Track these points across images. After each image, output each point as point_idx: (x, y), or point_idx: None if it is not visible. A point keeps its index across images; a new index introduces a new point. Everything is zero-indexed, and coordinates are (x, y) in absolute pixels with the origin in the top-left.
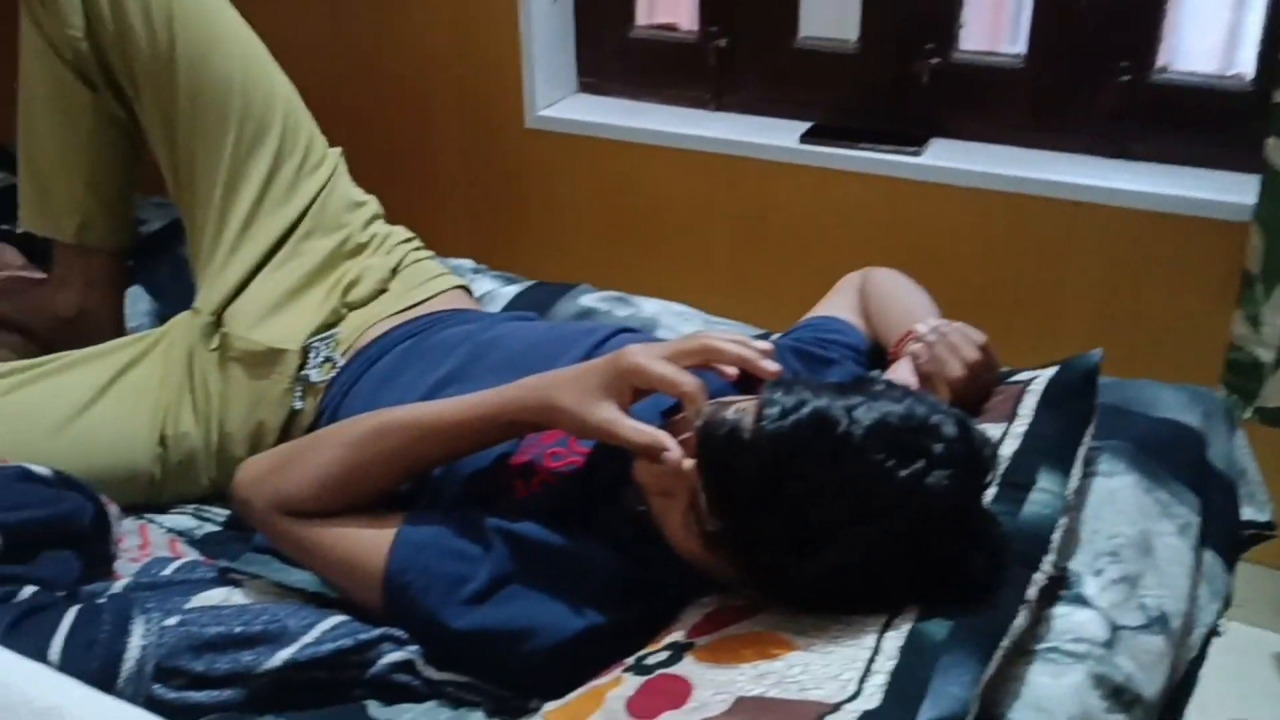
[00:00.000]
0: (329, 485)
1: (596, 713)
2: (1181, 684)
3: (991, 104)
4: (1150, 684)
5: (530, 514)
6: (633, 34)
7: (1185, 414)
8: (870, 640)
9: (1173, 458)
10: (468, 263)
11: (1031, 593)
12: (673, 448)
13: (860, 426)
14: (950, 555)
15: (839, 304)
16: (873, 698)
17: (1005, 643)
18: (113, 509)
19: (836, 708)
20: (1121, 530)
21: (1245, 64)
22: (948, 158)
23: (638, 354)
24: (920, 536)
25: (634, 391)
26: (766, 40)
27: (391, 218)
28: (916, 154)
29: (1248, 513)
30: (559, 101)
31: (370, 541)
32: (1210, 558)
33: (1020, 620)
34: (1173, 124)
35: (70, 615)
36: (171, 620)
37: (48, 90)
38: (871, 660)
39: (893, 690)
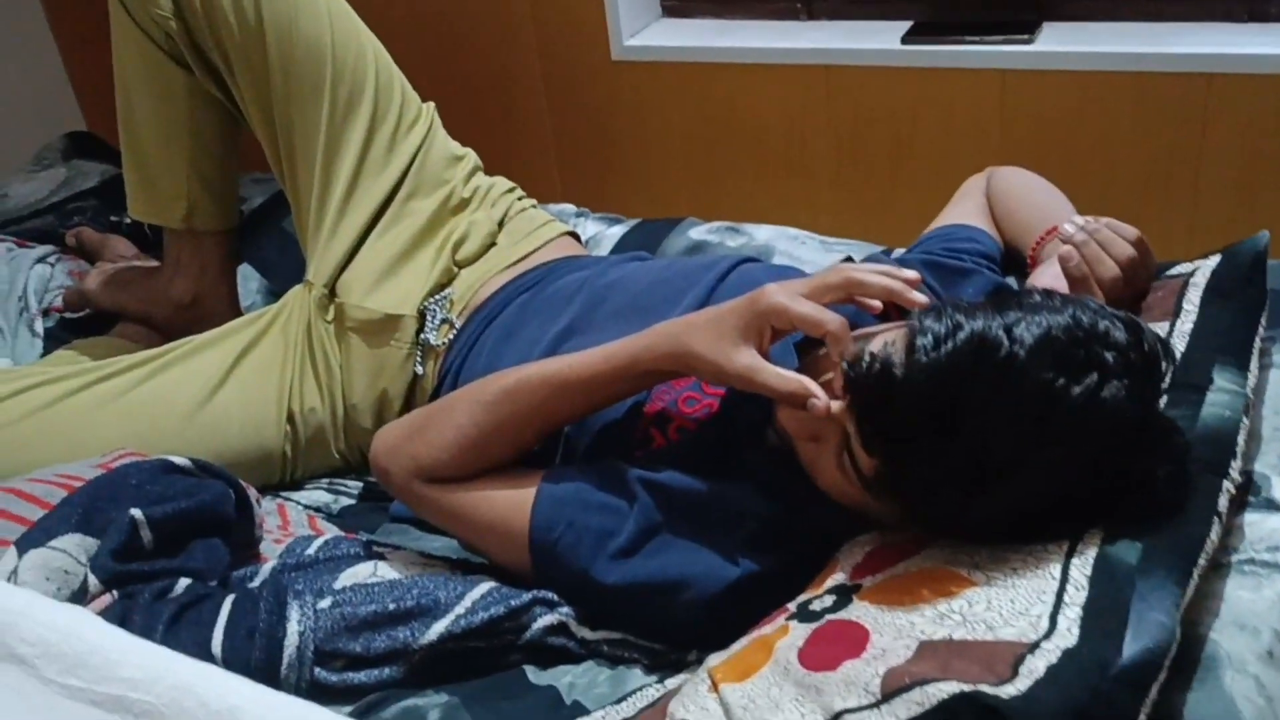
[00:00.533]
0: (466, 448)
1: (767, 665)
2: None
3: None
4: None
5: (671, 463)
6: None
7: None
8: (1055, 569)
9: None
10: (569, 207)
11: (1222, 502)
12: (819, 394)
13: (1023, 345)
14: (1135, 471)
15: (965, 210)
16: (1070, 633)
17: (1201, 560)
18: (252, 492)
19: (1034, 647)
20: None
21: None
22: (1063, 41)
23: (777, 293)
24: (1102, 455)
25: (773, 332)
26: None
27: (501, 166)
28: (1029, 41)
29: None
30: (644, 29)
31: (512, 501)
32: None
33: (1214, 534)
34: None
35: (227, 605)
36: (325, 602)
37: (143, 76)
38: (1061, 591)
39: (1090, 623)
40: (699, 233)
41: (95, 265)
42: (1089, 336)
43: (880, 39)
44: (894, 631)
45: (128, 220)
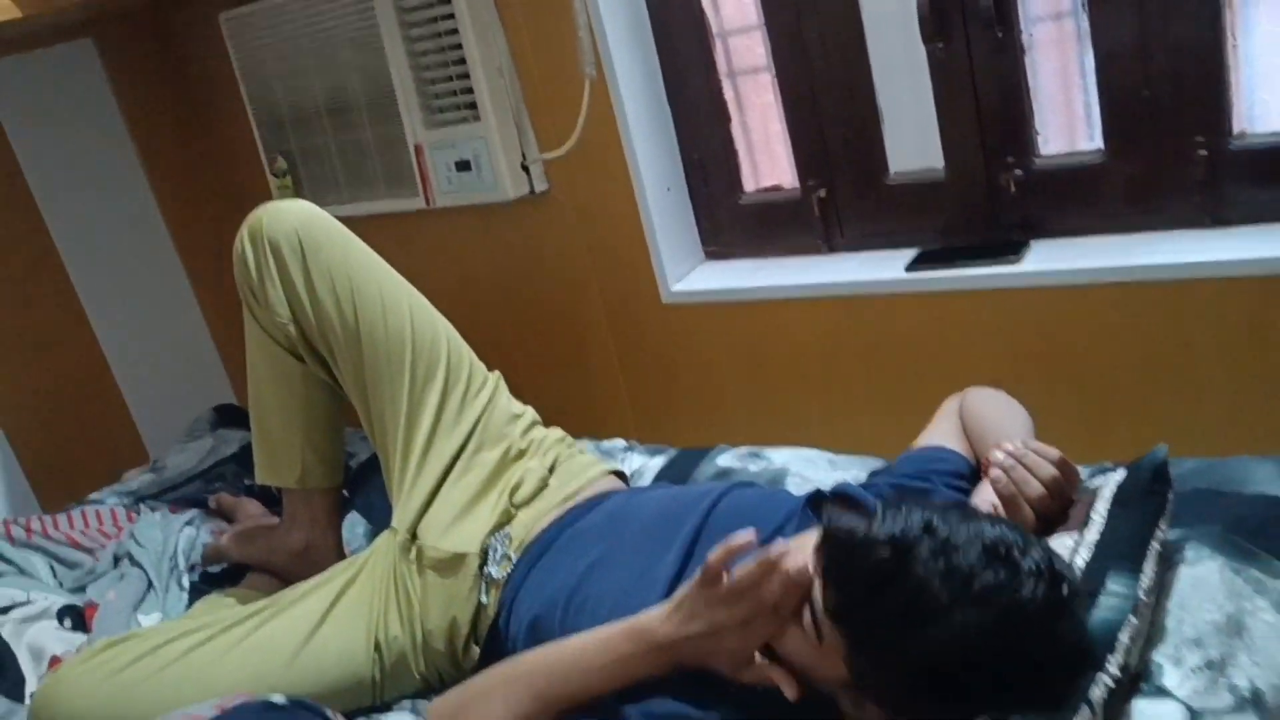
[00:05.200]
0: None
1: None
2: None
3: (1080, 200)
4: None
5: (665, 690)
6: (743, 201)
7: (1278, 485)
8: None
9: (1267, 532)
10: (619, 442)
11: (1096, 692)
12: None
13: (959, 534)
14: (1029, 660)
15: (941, 430)
16: None
17: None
18: (338, 718)
19: None
20: (1206, 616)
21: None
22: (1046, 260)
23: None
24: (1007, 636)
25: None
26: (862, 182)
27: (559, 408)
28: (1015, 261)
29: None
30: (689, 274)
31: None
32: None
33: (1081, 717)
34: (1261, 184)
35: None
36: None
37: (267, 367)
38: None
39: None
40: (725, 459)
41: (231, 525)
42: (1011, 544)
43: (889, 269)
44: None
45: (257, 485)
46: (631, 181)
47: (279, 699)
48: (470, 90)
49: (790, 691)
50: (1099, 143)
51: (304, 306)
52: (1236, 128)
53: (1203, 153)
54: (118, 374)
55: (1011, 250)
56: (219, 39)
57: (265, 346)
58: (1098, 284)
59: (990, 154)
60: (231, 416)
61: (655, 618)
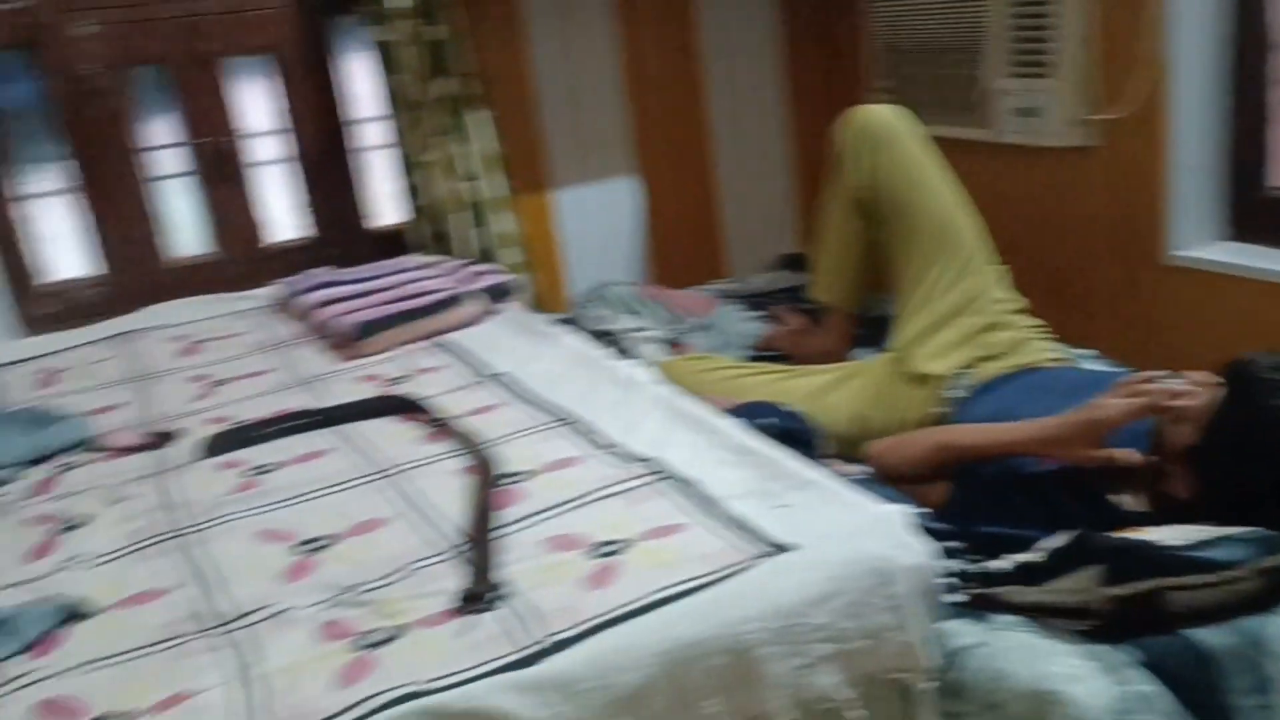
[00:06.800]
0: (908, 470)
1: None
2: None
3: None
4: None
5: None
6: (1266, 194)
7: None
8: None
9: None
10: (1090, 351)
11: None
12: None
13: None
14: None
15: None
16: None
17: None
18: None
19: None
20: None
21: None
22: None
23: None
24: None
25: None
26: None
27: (1054, 319)
28: None
29: None
30: (1203, 246)
31: (935, 492)
32: None
33: None
34: None
35: None
36: None
37: (837, 219)
38: None
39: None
40: None
41: (781, 326)
42: None
43: None
44: None
45: (805, 305)
46: (1164, 154)
47: (786, 407)
48: (1046, 51)
49: (1133, 457)
50: None
51: (873, 181)
52: None
53: None
54: (727, 212)
55: None
56: None
57: (840, 204)
58: None
59: None
60: (795, 262)
61: (1053, 419)
